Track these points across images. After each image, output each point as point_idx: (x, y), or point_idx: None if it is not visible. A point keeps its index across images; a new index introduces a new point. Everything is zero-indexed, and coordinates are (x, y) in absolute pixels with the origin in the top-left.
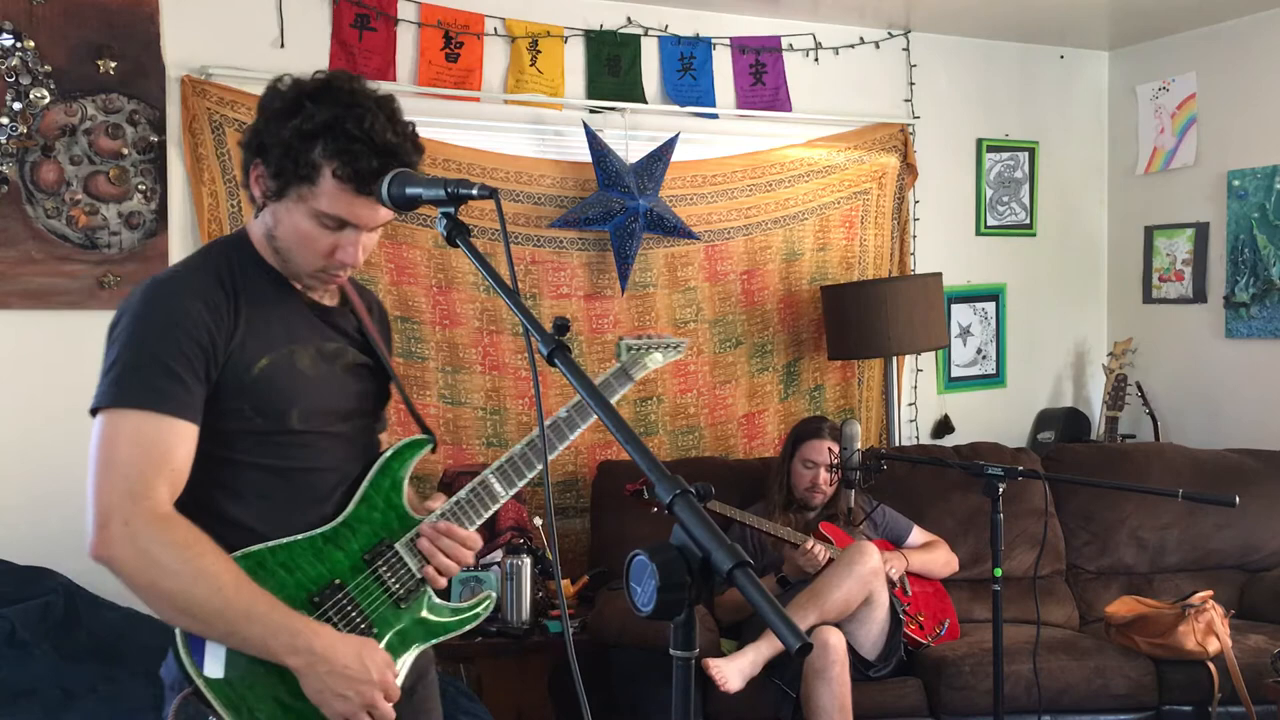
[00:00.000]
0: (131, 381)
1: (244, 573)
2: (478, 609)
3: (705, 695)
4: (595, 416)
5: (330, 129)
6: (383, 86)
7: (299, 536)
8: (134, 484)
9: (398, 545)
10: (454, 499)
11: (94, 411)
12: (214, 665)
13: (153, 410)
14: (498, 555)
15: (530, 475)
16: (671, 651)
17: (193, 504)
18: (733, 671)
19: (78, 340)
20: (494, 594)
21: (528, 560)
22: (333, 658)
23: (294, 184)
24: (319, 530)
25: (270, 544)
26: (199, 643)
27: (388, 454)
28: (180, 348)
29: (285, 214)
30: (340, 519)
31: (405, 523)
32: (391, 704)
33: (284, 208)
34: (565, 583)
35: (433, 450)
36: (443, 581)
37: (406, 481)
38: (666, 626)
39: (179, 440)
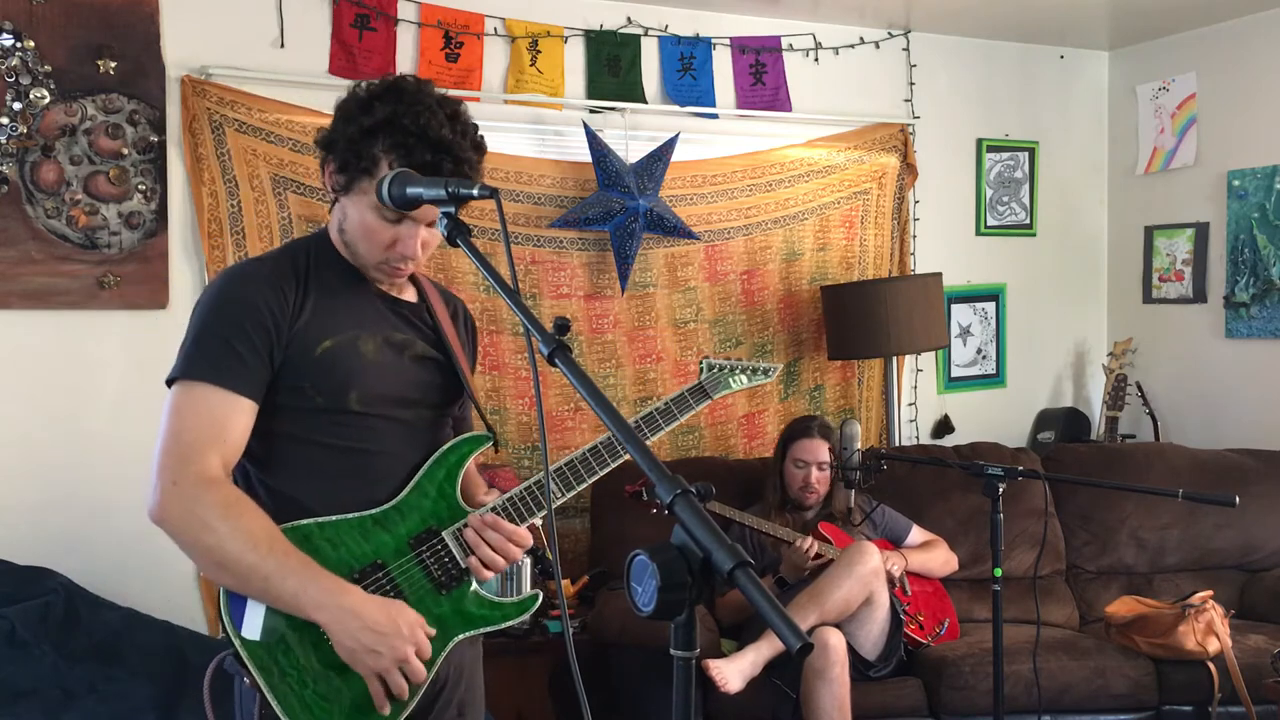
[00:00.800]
0: (199, 357)
1: (280, 533)
2: (523, 604)
3: (705, 695)
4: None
5: (389, 124)
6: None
7: (349, 515)
8: (187, 449)
9: (445, 534)
10: (506, 495)
11: (169, 383)
12: (251, 627)
13: (215, 384)
14: None
15: (590, 480)
16: (672, 651)
17: (250, 477)
18: (733, 672)
19: (78, 340)
20: (540, 593)
21: (528, 560)
22: (362, 613)
23: (357, 178)
24: (369, 512)
25: (319, 520)
26: (239, 605)
27: (446, 446)
28: (245, 328)
29: (352, 207)
30: (392, 503)
31: (455, 513)
32: (424, 662)
33: (350, 201)
34: (565, 583)
35: (495, 449)
36: (487, 574)
37: (462, 474)
38: (666, 626)
39: (237, 413)
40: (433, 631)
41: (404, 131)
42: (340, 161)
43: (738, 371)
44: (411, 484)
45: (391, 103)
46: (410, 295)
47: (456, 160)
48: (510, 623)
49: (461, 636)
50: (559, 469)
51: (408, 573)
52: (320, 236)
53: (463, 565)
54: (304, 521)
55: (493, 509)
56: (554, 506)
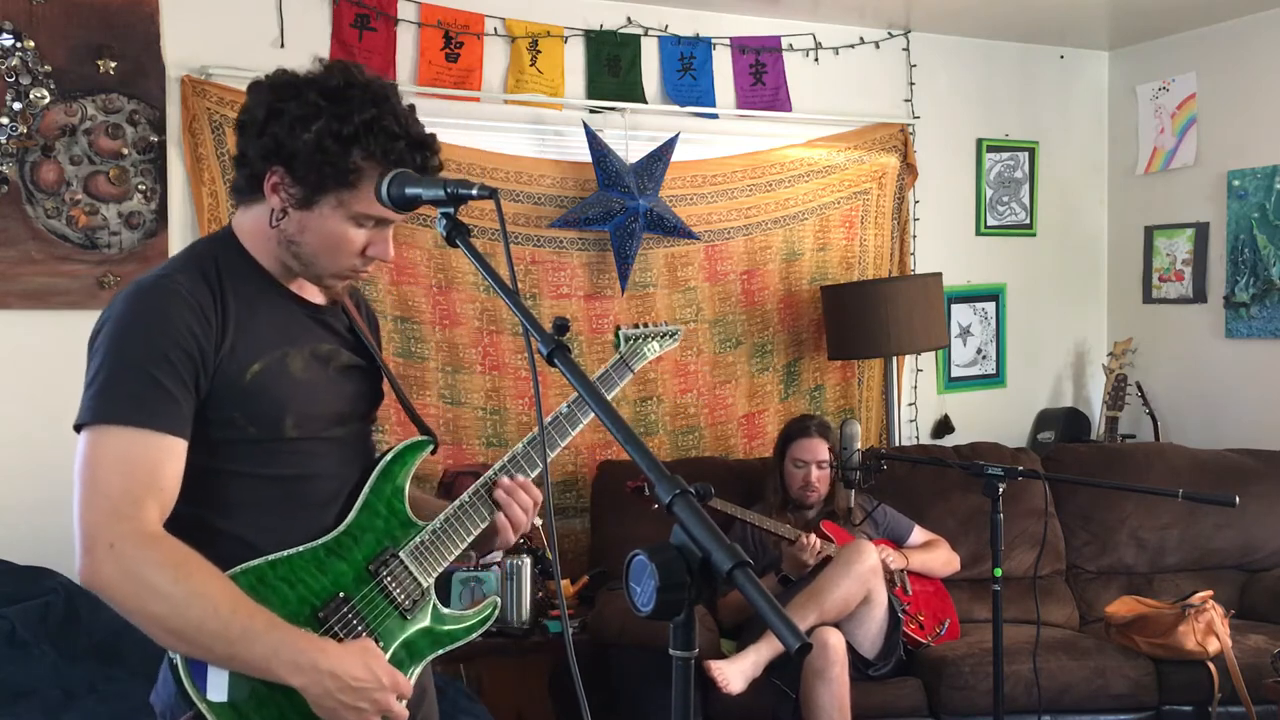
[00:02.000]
0: (115, 395)
1: (240, 591)
2: (483, 615)
3: (705, 695)
4: (594, 412)
5: (370, 129)
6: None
7: (300, 549)
8: (119, 504)
9: (401, 553)
10: (457, 503)
11: (78, 428)
12: (217, 689)
13: (138, 426)
14: (498, 555)
15: (533, 474)
16: (671, 651)
17: (184, 520)
18: (734, 673)
19: (78, 340)
20: (498, 599)
21: (528, 560)
22: (341, 672)
23: (332, 189)
24: (320, 541)
25: (270, 558)
26: (201, 665)
27: (388, 457)
28: (166, 356)
29: (316, 220)
30: (341, 528)
31: (408, 529)
32: (404, 701)
33: (315, 215)
34: (565, 583)
35: (433, 451)
36: (511, 536)
37: (408, 485)
38: (666, 626)
39: (167, 457)
40: (405, 677)
41: (389, 134)
42: (307, 173)
43: (650, 339)
44: (359, 503)
45: (359, 104)
46: (319, 296)
47: (434, 153)
48: (475, 635)
49: (431, 657)
50: (503, 465)
51: (371, 601)
52: (225, 239)
53: (424, 586)
54: (255, 562)
55: (445, 519)
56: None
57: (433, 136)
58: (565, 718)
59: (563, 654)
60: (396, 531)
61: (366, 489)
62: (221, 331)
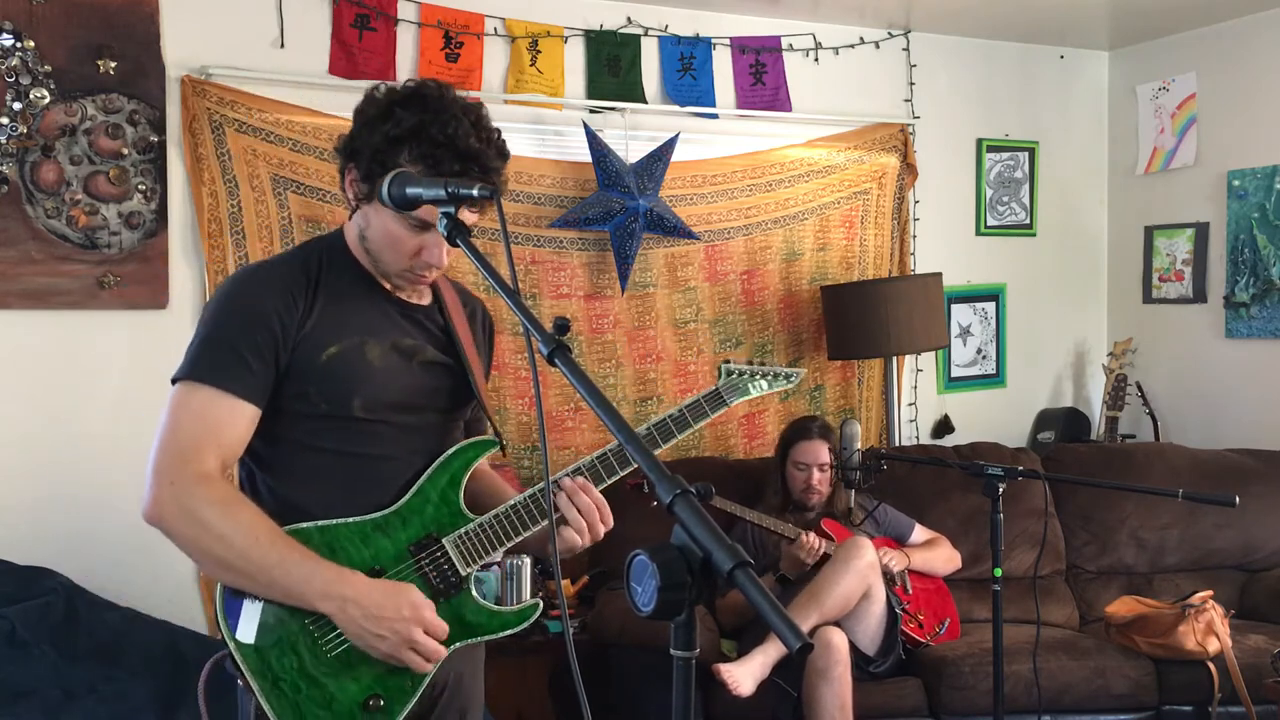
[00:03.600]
0: (204, 359)
1: (279, 528)
2: (521, 615)
3: (706, 695)
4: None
5: (416, 134)
6: (383, 87)
7: (349, 520)
8: (185, 448)
9: (445, 541)
10: (511, 502)
11: (173, 382)
12: (246, 630)
13: (217, 387)
14: (498, 555)
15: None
16: (672, 651)
17: (255, 480)
18: (743, 675)
19: (78, 340)
20: (540, 603)
21: (528, 560)
22: (365, 600)
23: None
24: (370, 516)
25: (319, 523)
26: (235, 607)
27: (450, 452)
28: (252, 333)
29: (375, 216)
30: (393, 508)
31: (457, 519)
32: (439, 640)
33: (374, 210)
34: (565, 583)
35: (503, 453)
36: (579, 541)
37: (465, 480)
38: (667, 626)
39: (237, 418)
40: (433, 610)
41: (431, 142)
42: (364, 170)
43: (757, 377)
44: (414, 489)
45: (417, 111)
46: (424, 298)
47: (485, 169)
48: (509, 631)
49: (459, 645)
50: (574, 470)
51: (405, 579)
52: (334, 239)
53: (463, 574)
54: (303, 525)
55: (497, 517)
56: (557, 517)
57: (487, 152)
58: (565, 718)
59: (563, 654)
60: (445, 520)
61: (424, 477)
62: (307, 314)
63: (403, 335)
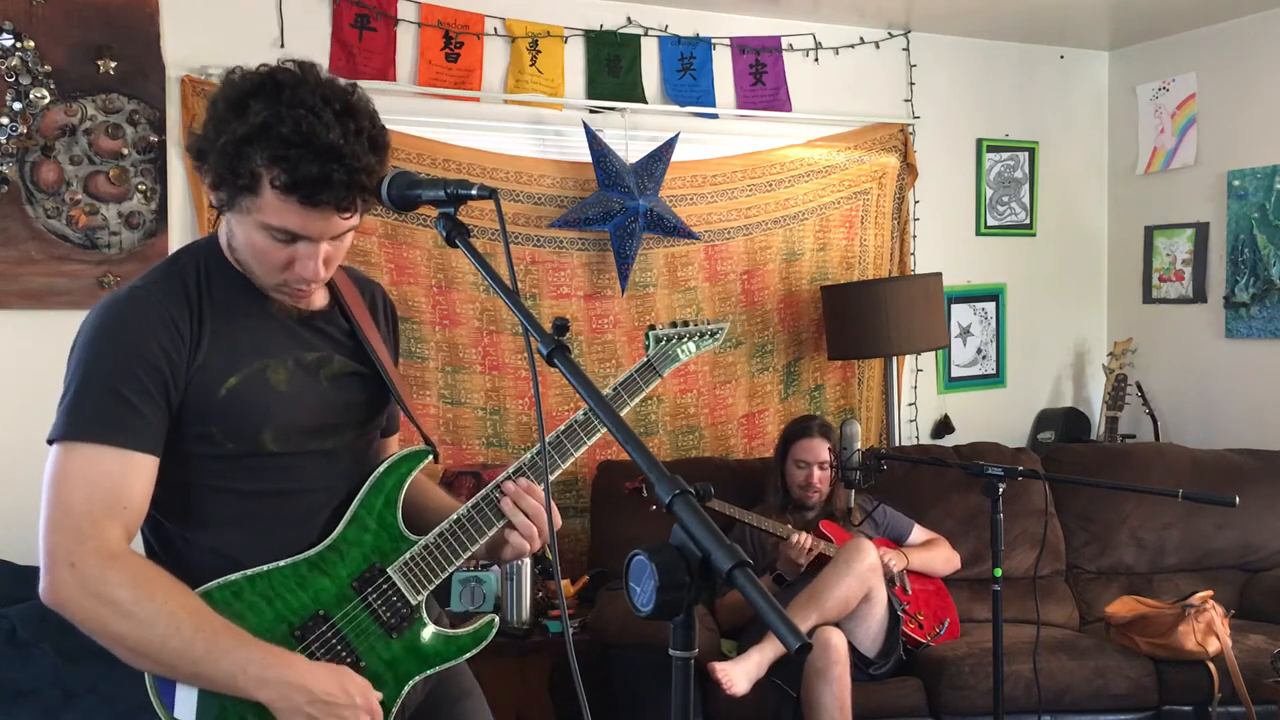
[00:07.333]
0: (83, 412)
1: (206, 607)
2: (477, 636)
3: (705, 695)
4: (593, 411)
5: (265, 132)
6: (382, 87)
7: (281, 563)
8: (81, 524)
9: (390, 570)
10: (454, 516)
11: (49, 443)
12: (185, 708)
13: (102, 443)
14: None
15: (567, 460)
16: (671, 651)
17: (164, 535)
18: (739, 674)
19: None
20: (495, 618)
21: (527, 560)
22: (310, 686)
23: (237, 195)
24: (303, 556)
25: (248, 573)
26: (169, 684)
27: (381, 469)
28: (135, 372)
29: (238, 226)
30: (327, 542)
31: (399, 544)
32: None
33: (236, 219)
34: (565, 583)
35: (435, 461)
36: (526, 546)
37: (402, 498)
38: (666, 626)
39: (134, 475)
40: (379, 695)
41: (284, 141)
42: (214, 176)
43: (685, 339)
44: (347, 517)
45: (267, 103)
46: (320, 300)
47: (350, 170)
48: (467, 655)
49: (418, 678)
50: (515, 471)
51: (354, 620)
52: (209, 247)
53: (413, 603)
54: (233, 577)
55: (439, 534)
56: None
57: (353, 147)
58: (565, 718)
59: (563, 654)
60: (386, 547)
61: (356, 502)
62: (195, 344)
63: (305, 349)
